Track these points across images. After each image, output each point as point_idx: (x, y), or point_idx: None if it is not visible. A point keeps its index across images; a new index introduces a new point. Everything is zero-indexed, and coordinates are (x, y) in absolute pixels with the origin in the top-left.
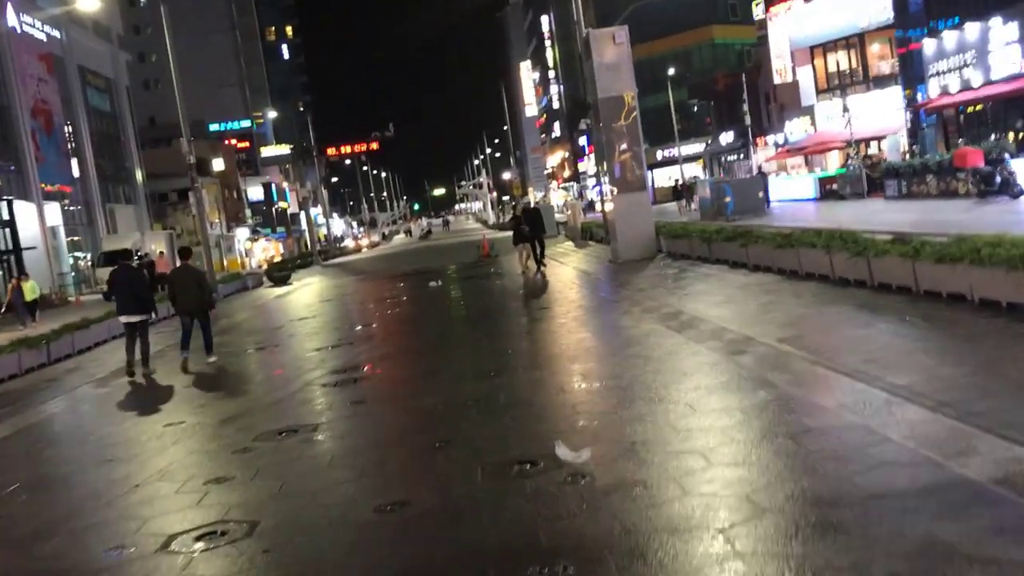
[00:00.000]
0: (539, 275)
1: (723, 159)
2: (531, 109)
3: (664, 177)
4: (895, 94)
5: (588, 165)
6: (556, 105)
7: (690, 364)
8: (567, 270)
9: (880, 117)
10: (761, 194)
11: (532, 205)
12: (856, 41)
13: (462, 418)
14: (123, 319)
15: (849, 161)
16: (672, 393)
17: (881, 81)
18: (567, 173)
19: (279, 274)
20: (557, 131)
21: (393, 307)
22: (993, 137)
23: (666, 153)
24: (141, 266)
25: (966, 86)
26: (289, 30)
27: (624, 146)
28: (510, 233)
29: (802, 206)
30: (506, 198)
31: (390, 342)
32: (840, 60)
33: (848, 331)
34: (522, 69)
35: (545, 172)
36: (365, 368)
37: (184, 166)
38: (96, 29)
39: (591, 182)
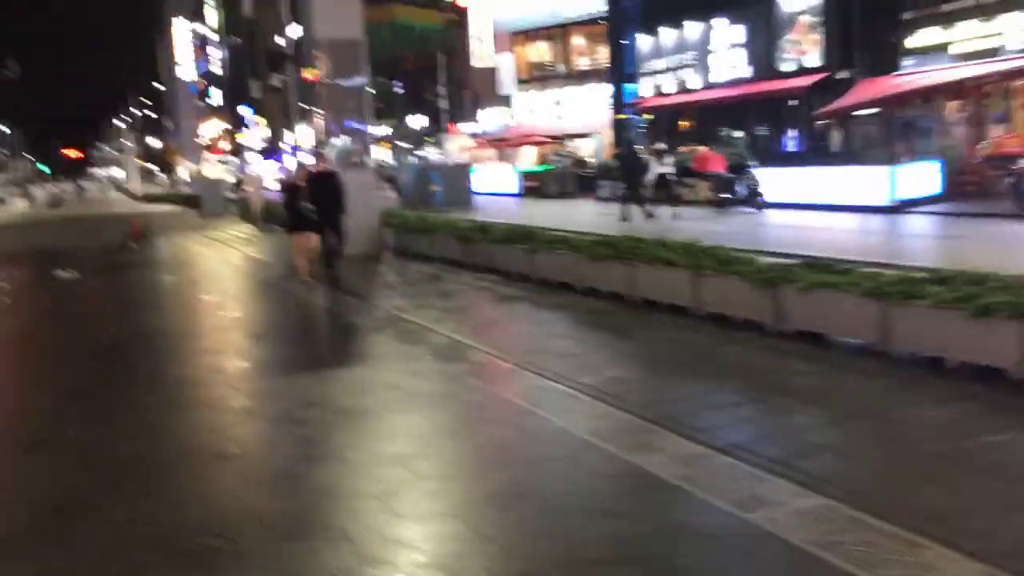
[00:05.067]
0: (337, 287)
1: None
2: (187, 72)
3: None
4: (602, 90)
5: (251, 139)
6: (217, 71)
7: None
8: (264, 262)
9: (586, 114)
10: (468, 185)
11: (321, 167)
12: (560, 32)
13: None
14: None
15: (556, 157)
16: None
17: (585, 76)
18: (228, 147)
19: None
20: (217, 100)
21: None
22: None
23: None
24: None
25: (683, 88)
26: None
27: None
28: (168, 208)
29: (509, 202)
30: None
31: None
32: (543, 50)
33: None
34: (176, 26)
35: (199, 141)
36: None
37: None
38: None
39: (255, 157)
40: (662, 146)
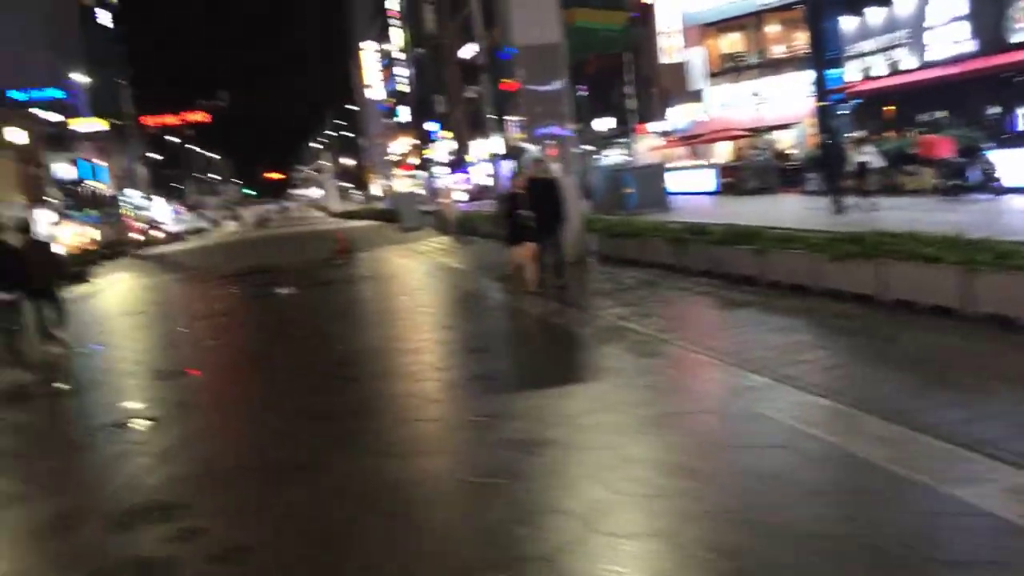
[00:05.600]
0: (555, 296)
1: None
2: (375, 92)
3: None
4: (802, 78)
5: (438, 153)
6: (404, 89)
7: None
8: (470, 273)
9: (784, 104)
10: (663, 186)
11: (541, 174)
12: (753, 20)
13: None
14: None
15: (754, 151)
16: None
17: (782, 65)
18: (415, 161)
19: (72, 269)
20: (405, 116)
21: (228, 332)
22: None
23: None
24: None
25: (894, 69)
26: None
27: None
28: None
29: (705, 201)
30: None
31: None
32: (736, 41)
33: None
34: (365, 50)
35: (390, 159)
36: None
37: None
38: None
39: (442, 171)
40: (861, 134)
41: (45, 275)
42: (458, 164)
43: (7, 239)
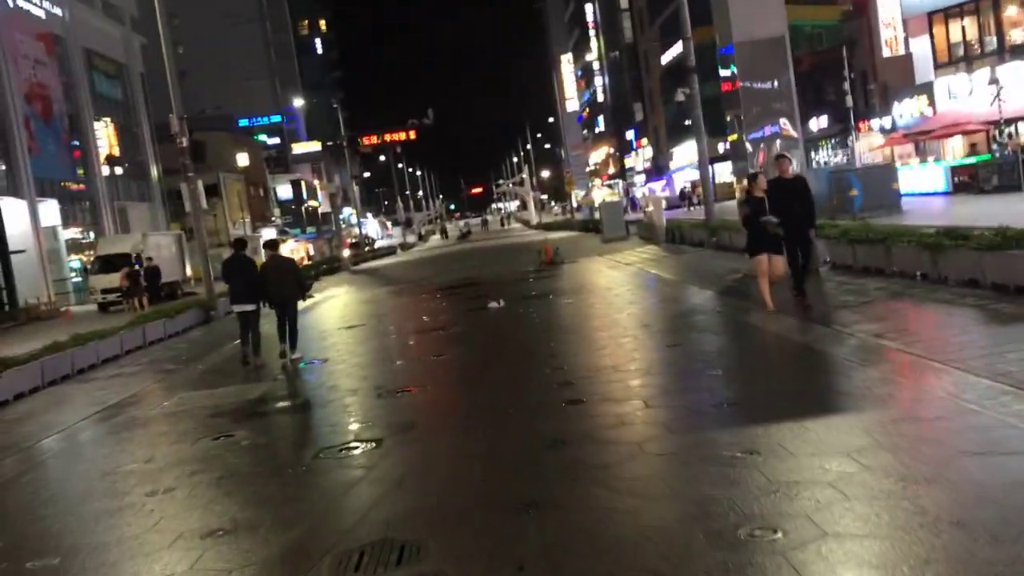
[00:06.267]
0: (797, 311)
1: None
2: (572, 104)
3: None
4: None
5: (636, 160)
6: (600, 99)
7: None
8: (687, 284)
9: None
10: (895, 186)
11: (789, 172)
12: (988, 4)
13: None
14: (236, 308)
15: (996, 146)
16: None
17: (1019, 51)
18: (611, 170)
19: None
20: (601, 126)
21: (443, 348)
22: None
23: (728, 146)
24: (149, 270)
25: None
26: (322, 23)
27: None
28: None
29: (938, 202)
30: (607, 187)
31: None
32: (967, 27)
33: None
34: (563, 62)
35: (587, 169)
36: None
37: (215, 159)
38: (105, 8)
39: (639, 179)
40: None
41: (284, 288)
42: (657, 171)
43: (246, 254)
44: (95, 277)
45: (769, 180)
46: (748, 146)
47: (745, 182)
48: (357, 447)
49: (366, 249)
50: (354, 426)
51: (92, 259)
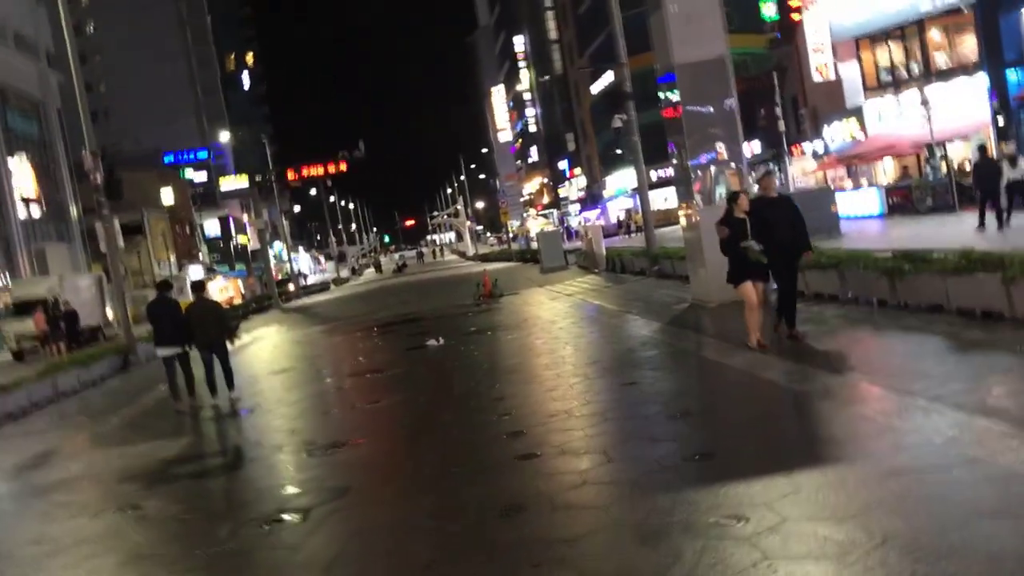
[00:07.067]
0: (791, 341)
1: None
2: (505, 134)
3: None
4: (975, 84)
5: (570, 190)
6: (532, 129)
7: None
8: (633, 316)
9: (955, 115)
10: (834, 209)
11: (774, 191)
12: (913, 29)
13: None
14: (161, 352)
15: (929, 168)
16: None
17: (948, 73)
18: (546, 200)
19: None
20: (534, 156)
21: (380, 394)
22: None
23: (662, 173)
24: (66, 314)
25: None
26: (249, 57)
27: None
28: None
29: (874, 224)
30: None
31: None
32: (894, 52)
33: None
34: (494, 94)
35: (521, 200)
36: None
37: (139, 197)
38: (18, 43)
39: (574, 208)
40: (1011, 148)
41: (209, 332)
42: (592, 200)
43: (171, 296)
44: (8, 323)
45: (752, 200)
46: (692, 173)
47: (724, 200)
48: (281, 519)
49: (290, 287)
50: (279, 492)
51: (5, 304)
